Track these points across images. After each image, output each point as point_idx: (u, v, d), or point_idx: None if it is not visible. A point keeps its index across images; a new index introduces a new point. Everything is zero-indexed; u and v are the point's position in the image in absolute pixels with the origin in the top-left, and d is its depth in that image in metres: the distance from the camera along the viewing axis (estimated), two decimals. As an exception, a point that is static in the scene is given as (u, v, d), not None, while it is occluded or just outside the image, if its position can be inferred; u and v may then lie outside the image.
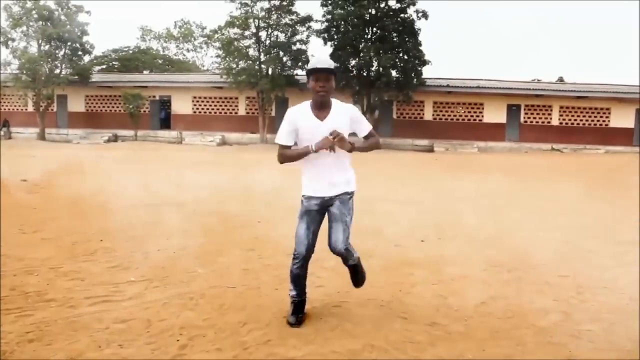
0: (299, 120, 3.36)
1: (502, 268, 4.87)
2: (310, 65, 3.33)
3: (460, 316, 3.62)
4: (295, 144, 3.42)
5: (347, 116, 3.37)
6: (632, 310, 3.77)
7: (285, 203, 7.92)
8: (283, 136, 3.40)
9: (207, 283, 4.22)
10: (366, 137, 3.52)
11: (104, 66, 43.55)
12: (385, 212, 7.95)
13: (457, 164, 19.73)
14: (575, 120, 30.93)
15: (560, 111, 30.84)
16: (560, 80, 41.32)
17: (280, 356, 2.96)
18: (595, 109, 30.73)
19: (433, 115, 31.03)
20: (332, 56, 27.83)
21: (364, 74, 28.02)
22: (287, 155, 3.41)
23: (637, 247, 5.66)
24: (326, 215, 3.49)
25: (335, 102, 3.39)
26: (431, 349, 3.09)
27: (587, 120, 30.90)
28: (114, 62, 44.68)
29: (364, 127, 3.47)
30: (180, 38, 51.74)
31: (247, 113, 31.56)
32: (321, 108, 3.36)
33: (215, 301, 3.80)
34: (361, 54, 27.57)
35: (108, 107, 32.94)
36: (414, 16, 28.18)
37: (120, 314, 3.49)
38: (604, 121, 30.82)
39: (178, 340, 3.11)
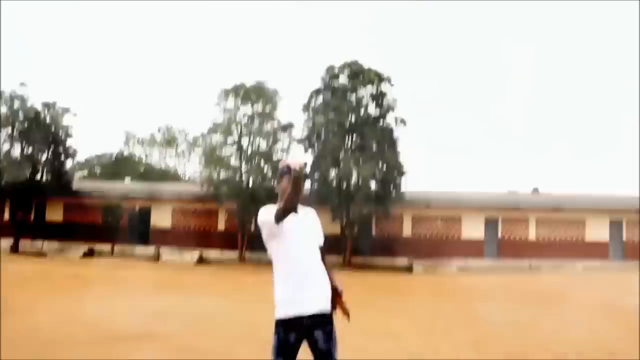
0: (284, 213, 3.33)
1: None
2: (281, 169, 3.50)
3: None
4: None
5: (313, 220, 3.61)
6: None
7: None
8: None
9: None
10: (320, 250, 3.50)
11: (85, 173, 44.54)
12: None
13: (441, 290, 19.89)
14: (552, 233, 31.51)
15: (536, 224, 31.64)
16: (536, 191, 42.61)
17: None
18: (570, 221, 31.38)
19: (412, 231, 31.45)
20: (313, 166, 28.67)
21: (344, 186, 28.58)
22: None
23: None
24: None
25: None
26: None
27: (562, 234, 31.42)
28: (95, 169, 45.79)
29: (321, 234, 3.61)
30: (163, 144, 53.46)
31: (227, 229, 31.57)
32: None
33: None
34: (341, 164, 28.38)
35: (87, 216, 33.01)
36: (393, 124, 29.47)
37: None
38: (579, 234, 31.45)
39: None
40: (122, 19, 74.64)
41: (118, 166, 45.70)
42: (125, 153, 50.46)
